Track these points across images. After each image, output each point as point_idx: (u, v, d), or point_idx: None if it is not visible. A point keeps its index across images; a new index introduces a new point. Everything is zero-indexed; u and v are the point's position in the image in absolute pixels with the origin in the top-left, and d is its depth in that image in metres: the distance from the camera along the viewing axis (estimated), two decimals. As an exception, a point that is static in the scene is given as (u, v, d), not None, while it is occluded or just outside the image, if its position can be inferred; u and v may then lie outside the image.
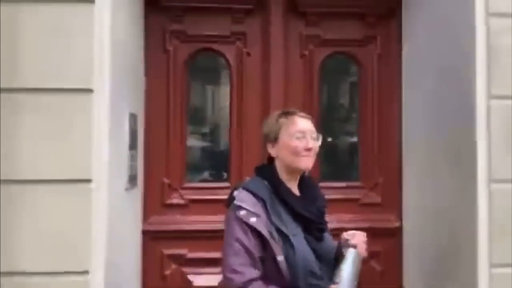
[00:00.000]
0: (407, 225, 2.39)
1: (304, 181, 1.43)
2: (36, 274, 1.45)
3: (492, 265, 1.72)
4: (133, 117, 1.98)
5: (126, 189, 1.89)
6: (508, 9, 1.74)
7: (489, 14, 1.73)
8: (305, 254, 1.29)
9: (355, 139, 2.56)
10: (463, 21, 1.80)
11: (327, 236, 1.44)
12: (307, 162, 1.35)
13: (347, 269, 1.30)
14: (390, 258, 2.42)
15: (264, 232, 1.25)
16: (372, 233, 2.37)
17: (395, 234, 2.42)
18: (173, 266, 2.28)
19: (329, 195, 2.42)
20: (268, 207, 1.28)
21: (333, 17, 2.42)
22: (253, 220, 1.25)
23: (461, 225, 1.85)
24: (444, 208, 2.00)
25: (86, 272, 1.49)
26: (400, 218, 2.42)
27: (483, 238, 1.72)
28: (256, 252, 1.25)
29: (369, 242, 2.34)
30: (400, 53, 2.43)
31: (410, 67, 2.37)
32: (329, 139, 2.62)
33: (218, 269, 2.21)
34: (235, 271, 1.24)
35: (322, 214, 1.42)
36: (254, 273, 1.25)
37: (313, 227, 1.35)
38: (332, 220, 1.56)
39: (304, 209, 1.34)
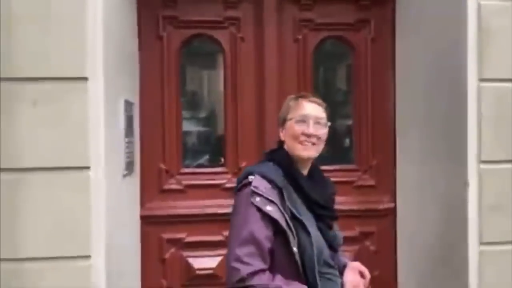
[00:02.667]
0: (400, 206, 2.44)
1: (314, 171, 1.38)
2: (39, 259, 1.49)
3: (482, 244, 1.78)
4: (128, 104, 2.00)
5: (124, 176, 1.92)
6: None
7: (480, -4, 1.73)
8: (319, 243, 1.24)
9: (349, 122, 2.59)
10: (455, 4, 1.81)
11: (335, 224, 1.41)
12: (307, 150, 1.28)
13: None
14: (384, 239, 2.48)
15: (281, 221, 1.17)
16: (366, 215, 2.51)
17: (389, 215, 2.47)
18: (172, 249, 2.33)
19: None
20: (285, 194, 1.22)
21: (326, 1, 2.42)
22: (269, 208, 1.17)
23: (452, 205, 1.90)
24: (436, 189, 2.04)
25: (88, 257, 1.53)
26: (394, 199, 2.47)
27: (473, 219, 1.77)
28: (267, 243, 1.17)
29: (363, 223, 2.48)
30: (393, 36, 2.44)
31: (404, 51, 2.38)
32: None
33: (216, 252, 2.33)
34: (241, 261, 1.14)
35: (332, 202, 1.38)
36: (261, 265, 1.16)
37: (325, 215, 1.30)
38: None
39: (316, 194, 1.29)
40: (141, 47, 2.28)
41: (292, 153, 1.31)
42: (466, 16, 1.74)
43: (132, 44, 2.22)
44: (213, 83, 2.60)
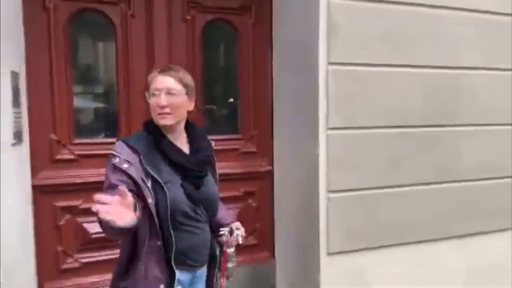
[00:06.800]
0: (276, 169, 2.89)
1: (192, 132, 1.55)
2: None
3: (329, 191, 2.29)
4: (14, 75, 2.02)
5: (13, 145, 1.97)
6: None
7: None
8: (177, 197, 1.40)
9: (235, 97, 2.92)
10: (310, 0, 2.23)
11: (210, 182, 1.56)
12: (163, 119, 1.42)
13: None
14: (264, 196, 2.92)
15: (135, 175, 1.35)
16: (249, 177, 2.92)
17: (267, 176, 2.91)
18: (67, 216, 2.44)
19: (214, 147, 2.89)
20: (142, 157, 1.38)
21: (213, -14, 2.67)
22: (125, 166, 1.35)
23: (308, 164, 2.38)
24: (298, 152, 2.51)
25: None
26: (271, 163, 2.91)
27: (322, 172, 2.26)
28: (123, 185, 1.29)
29: (246, 184, 2.87)
30: (270, 22, 2.81)
31: (278, 36, 2.77)
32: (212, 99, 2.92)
33: (111, 216, 2.50)
34: None
35: (202, 163, 1.52)
36: None
37: (191, 175, 1.46)
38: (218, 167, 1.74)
39: (182, 158, 1.45)
40: (26, 18, 2.27)
41: (156, 123, 1.46)
42: (318, 11, 2.17)
43: (17, 15, 2.20)
44: (104, 56, 2.68)
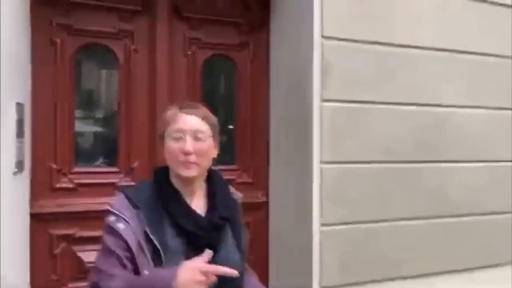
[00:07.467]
0: (271, 200, 2.93)
1: (211, 183, 1.26)
2: None
3: (322, 225, 2.33)
4: (20, 107, 2.10)
5: (14, 173, 2.02)
6: (337, 34, 2.33)
7: (323, 37, 2.29)
8: None
9: (232, 129, 3.00)
10: (305, 40, 2.35)
11: (229, 251, 1.23)
12: (188, 170, 1.16)
13: None
14: (259, 228, 2.94)
15: (130, 240, 1.09)
16: (245, 208, 2.93)
17: (262, 207, 2.94)
18: (63, 244, 2.45)
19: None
20: (142, 215, 1.12)
21: (213, 23, 2.80)
22: (120, 226, 1.11)
23: (302, 197, 2.43)
24: (292, 185, 2.56)
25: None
26: (266, 194, 2.95)
27: (315, 206, 2.30)
28: (121, 251, 1.11)
29: (242, 215, 2.89)
30: (268, 59, 2.92)
31: (275, 72, 2.88)
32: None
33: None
34: (100, 271, 1.12)
35: (215, 227, 1.19)
36: (117, 270, 1.10)
37: (199, 243, 1.14)
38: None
39: (191, 222, 1.15)
40: (34, 52, 2.37)
41: (174, 172, 1.20)
42: (312, 51, 2.28)
43: (24, 47, 2.29)
44: (108, 88, 2.78)
